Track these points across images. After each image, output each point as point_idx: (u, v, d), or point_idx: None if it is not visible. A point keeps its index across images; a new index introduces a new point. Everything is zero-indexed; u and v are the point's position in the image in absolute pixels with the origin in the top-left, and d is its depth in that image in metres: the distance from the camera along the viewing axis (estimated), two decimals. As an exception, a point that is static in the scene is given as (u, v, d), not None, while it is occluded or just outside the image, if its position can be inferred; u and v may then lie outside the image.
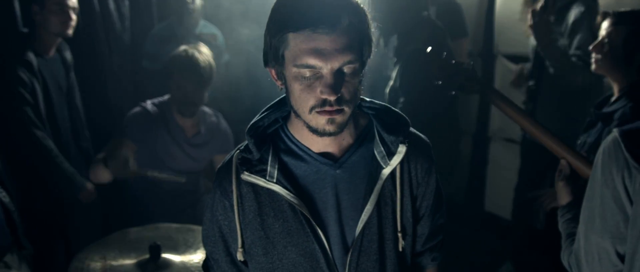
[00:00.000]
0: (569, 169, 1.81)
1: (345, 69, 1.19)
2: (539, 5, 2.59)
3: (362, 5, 1.22)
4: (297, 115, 1.26)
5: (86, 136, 3.03)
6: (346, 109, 1.22)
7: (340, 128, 1.24)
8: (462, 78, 2.08)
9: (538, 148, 3.11)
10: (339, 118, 1.22)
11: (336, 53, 1.16)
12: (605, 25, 2.19)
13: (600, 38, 2.20)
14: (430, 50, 2.17)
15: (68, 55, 2.93)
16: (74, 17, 2.74)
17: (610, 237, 1.30)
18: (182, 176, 2.72)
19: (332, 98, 1.18)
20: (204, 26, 3.49)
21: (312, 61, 1.16)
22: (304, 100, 1.21)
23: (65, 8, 2.69)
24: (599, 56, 2.19)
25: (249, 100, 3.15)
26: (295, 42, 1.17)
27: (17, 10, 2.75)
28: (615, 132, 1.30)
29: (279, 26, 1.18)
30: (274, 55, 1.22)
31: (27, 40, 2.73)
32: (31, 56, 2.68)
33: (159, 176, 2.63)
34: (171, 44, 3.18)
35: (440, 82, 2.13)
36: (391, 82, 3.05)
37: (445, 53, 2.15)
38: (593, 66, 2.25)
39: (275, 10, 1.22)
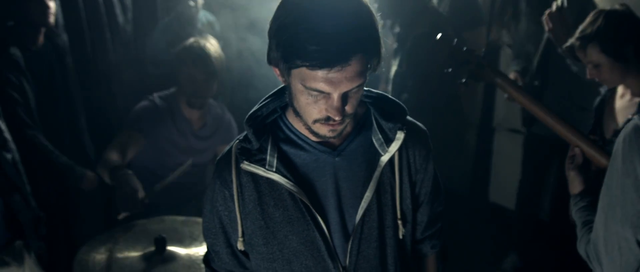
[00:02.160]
0: (582, 157, 1.79)
1: (352, 91, 1.20)
2: (553, 6, 2.56)
3: (375, 21, 1.19)
4: (298, 116, 1.27)
5: (81, 123, 2.96)
6: (348, 119, 1.25)
7: (341, 134, 1.27)
8: (472, 65, 2.06)
9: (541, 142, 3.13)
10: (340, 128, 1.25)
11: (346, 81, 1.16)
12: (579, 52, 2.15)
13: (587, 65, 2.16)
14: (441, 37, 2.15)
15: (61, 40, 2.86)
16: (51, 4, 2.71)
17: (631, 226, 1.29)
18: (186, 163, 2.71)
19: (337, 118, 1.20)
20: (201, 16, 3.48)
21: (322, 87, 1.16)
22: (308, 112, 1.23)
23: None
24: (598, 79, 2.15)
25: (245, 89, 3.14)
26: (306, 70, 1.15)
27: None
28: (636, 120, 1.28)
29: (291, 55, 1.15)
30: (279, 65, 1.20)
31: (11, 35, 2.70)
32: (17, 52, 2.64)
33: (167, 182, 2.61)
34: (175, 46, 3.17)
35: (451, 70, 2.12)
36: (395, 68, 3.04)
37: (456, 40, 2.13)
38: (607, 86, 2.22)
39: (285, 24, 1.16)
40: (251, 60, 3.01)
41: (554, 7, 2.55)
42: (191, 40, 2.78)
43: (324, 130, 1.24)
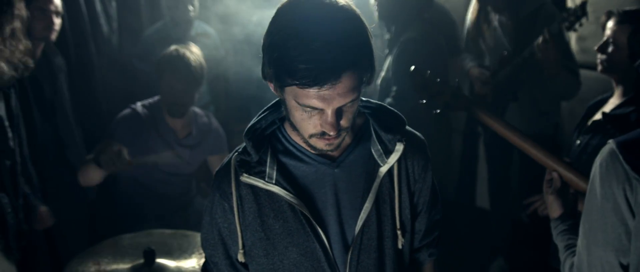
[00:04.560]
0: (560, 181, 1.80)
1: (346, 106, 1.21)
2: (540, 39, 2.59)
3: (367, 35, 1.19)
4: (296, 129, 1.28)
5: (74, 141, 2.94)
6: (344, 133, 1.25)
7: (338, 147, 1.28)
8: (447, 96, 2.08)
9: (500, 141, 3.18)
10: (337, 141, 1.26)
11: (339, 97, 1.17)
12: (609, 24, 2.17)
13: (604, 38, 2.18)
14: (414, 69, 2.17)
15: (58, 60, 2.84)
16: (57, 21, 2.68)
17: (613, 249, 1.30)
18: (179, 156, 2.69)
19: (332, 133, 1.21)
20: (197, 26, 3.47)
21: (315, 104, 1.17)
22: (304, 127, 1.24)
23: (47, 13, 2.64)
24: (604, 57, 2.17)
25: (242, 99, 3.14)
26: (298, 88, 1.16)
27: None
28: (611, 144, 1.28)
29: (282, 74, 1.15)
30: (274, 82, 1.21)
31: None
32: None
33: (156, 159, 2.57)
34: (165, 45, 3.16)
35: (425, 101, 2.13)
36: (383, 73, 3.05)
37: (428, 72, 2.15)
38: (598, 68, 2.23)
39: (276, 42, 1.16)
40: (248, 71, 3.00)
41: (546, 33, 2.58)
42: (172, 48, 2.75)
43: (320, 144, 1.26)
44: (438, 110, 2.09)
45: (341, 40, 1.13)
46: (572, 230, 1.67)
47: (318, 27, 1.13)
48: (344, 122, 1.22)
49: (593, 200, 1.32)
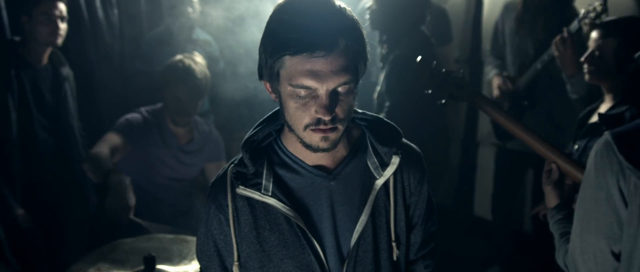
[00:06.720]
0: (557, 172, 1.84)
1: (340, 89, 1.21)
2: (564, 33, 2.59)
3: (359, 24, 1.23)
4: (291, 130, 1.28)
5: (78, 151, 2.96)
6: (340, 126, 1.24)
7: (334, 145, 1.27)
8: (452, 87, 2.11)
9: (514, 155, 3.18)
10: (332, 136, 1.24)
11: (332, 75, 1.18)
12: (594, 36, 2.21)
13: (590, 49, 2.22)
14: (420, 60, 2.20)
15: (65, 70, 2.88)
16: (62, 26, 2.72)
17: (605, 237, 1.33)
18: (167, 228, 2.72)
19: (326, 118, 1.20)
20: (198, 33, 3.50)
21: (308, 82, 1.18)
22: (298, 118, 1.23)
23: (53, 18, 2.68)
24: (592, 67, 2.21)
25: (243, 108, 3.16)
26: (291, 63, 1.18)
27: (5, 19, 2.72)
28: (607, 135, 1.31)
29: (276, 47, 1.19)
30: (269, 72, 1.23)
31: (15, 49, 2.71)
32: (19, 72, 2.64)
33: (151, 227, 2.59)
34: (167, 47, 3.17)
35: (430, 91, 2.16)
36: (378, 88, 3.08)
37: (435, 62, 2.18)
38: (586, 77, 2.26)
39: (271, 27, 1.22)
40: (247, 79, 3.03)
41: (565, 32, 2.59)
42: (177, 58, 2.78)
43: (316, 138, 1.24)
44: (443, 101, 2.12)
45: (333, 16, 1.18)
46: (567, 219, 1.72)
47: (311, 9, 1.18)
48: (338, 111, 1.22)
49: (587, 189, 1.36)
